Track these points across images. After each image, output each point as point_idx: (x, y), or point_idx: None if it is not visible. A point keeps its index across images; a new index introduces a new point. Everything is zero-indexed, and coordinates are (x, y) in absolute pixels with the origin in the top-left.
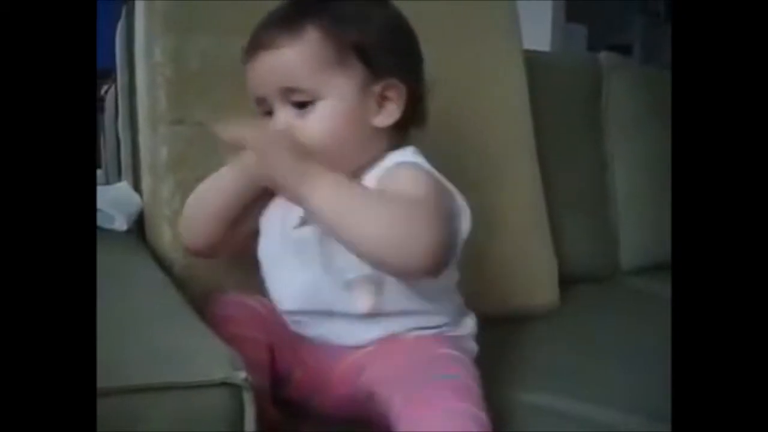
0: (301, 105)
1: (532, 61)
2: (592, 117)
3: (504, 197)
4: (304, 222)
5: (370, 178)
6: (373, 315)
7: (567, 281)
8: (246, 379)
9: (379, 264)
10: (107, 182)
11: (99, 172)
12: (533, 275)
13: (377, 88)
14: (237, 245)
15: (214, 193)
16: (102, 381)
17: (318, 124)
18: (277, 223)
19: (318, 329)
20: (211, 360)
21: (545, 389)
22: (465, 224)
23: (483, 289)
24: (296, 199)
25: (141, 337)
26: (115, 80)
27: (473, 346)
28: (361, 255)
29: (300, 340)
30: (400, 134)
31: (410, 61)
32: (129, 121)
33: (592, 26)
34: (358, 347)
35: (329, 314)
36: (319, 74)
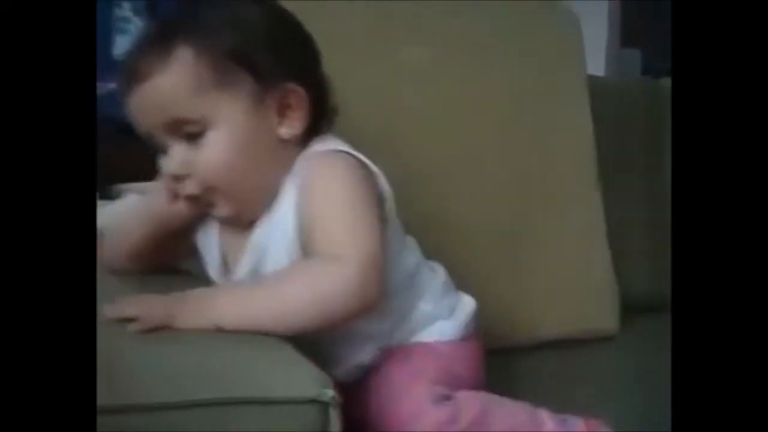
0: (191, 137)
1: (594, 86)
2: (653, 143)
3: (565, 222)
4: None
5: (290, 183)
6: None
7: (627, 309)
8: (334, 397)
9: (325, 324)
10: None
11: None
12: (593, 301)
13: (273, 98)
14: (165, 263)
15: (125, 235)
16: (195, 392)
17: (214, 155)
18: (214, 262)
19: None
20: (301, 377)
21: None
22: (390, 208)
23: (541, 313)
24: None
25: (231, 351)
26: None
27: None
28: (299, 332)
29: None
30: (313, 138)
31: (303, 58)
32: None
33: (646, 51)
34: None
35: None
36: (200, 98)
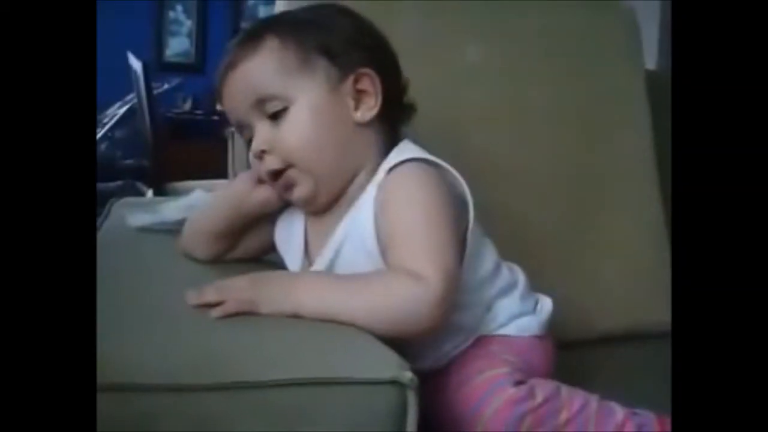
0: (275, 116)
1: (652, 81)
2: None
3: (624, 218)
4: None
5: (372, 186)
6: None
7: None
8: (412, 379)
9: (391, 335)
10: None
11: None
12: (651, 294)
13: (349, 83)
14: (242, 254)
15: (209, 216)
16: (277, 372)
17: (294, 128)
18: (295, 255)
19: None
20: (380, 359)
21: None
22: (471, 213)
23: (599, 307)
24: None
25: (312, 334)
26: None
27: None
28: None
29: None
30: (389, 130)
31: (380, 55)
32: None
33: None
34: None
35: None
36: (283, 79)
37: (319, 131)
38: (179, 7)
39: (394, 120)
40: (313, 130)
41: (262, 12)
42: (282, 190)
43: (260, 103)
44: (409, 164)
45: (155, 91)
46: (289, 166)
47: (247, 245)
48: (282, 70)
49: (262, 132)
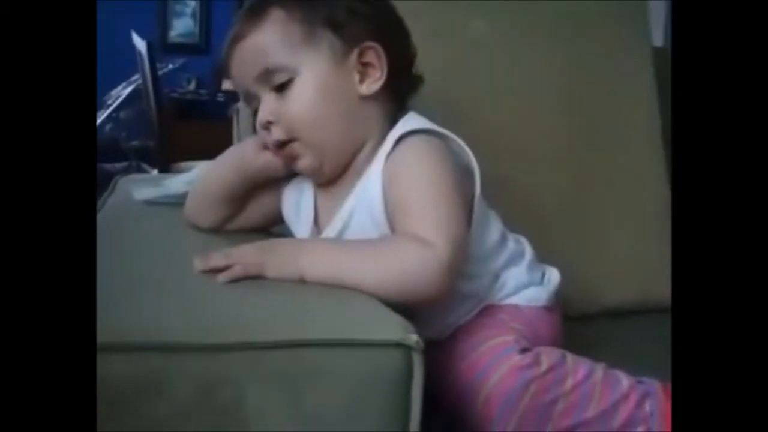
0: (280, 88)
1: (660, 57)
2: None
3: (631, 190)
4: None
5: (380, 158)
6: None
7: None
8: (418, 342)
9: (398, 300)
10: None
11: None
12: (657, 267)
13: (354, 56)
14: (246, 223)
15: (214, 178)
16: (283, 333)
17: (299, 100)
18: (304, 225)
19: None
20: (386, 322)
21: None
22: (476, 182)
23: (606, 280)
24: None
25: (319, 296)
26: None
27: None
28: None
29: None
30: (395, 103)
31: (388, 27)
32: None
33: None
34: None
35: None
36: (289, 50)
37: (323, 104)
38: None
39: (400, 92)
40: (317, 103)
41: None
42: (288, 160)
43: (266, 74)
44: (416, 135)
45: (159, 72)
46: (293, 138)
47: (252, 214)
48: (287, 42)
49: (268, 103)
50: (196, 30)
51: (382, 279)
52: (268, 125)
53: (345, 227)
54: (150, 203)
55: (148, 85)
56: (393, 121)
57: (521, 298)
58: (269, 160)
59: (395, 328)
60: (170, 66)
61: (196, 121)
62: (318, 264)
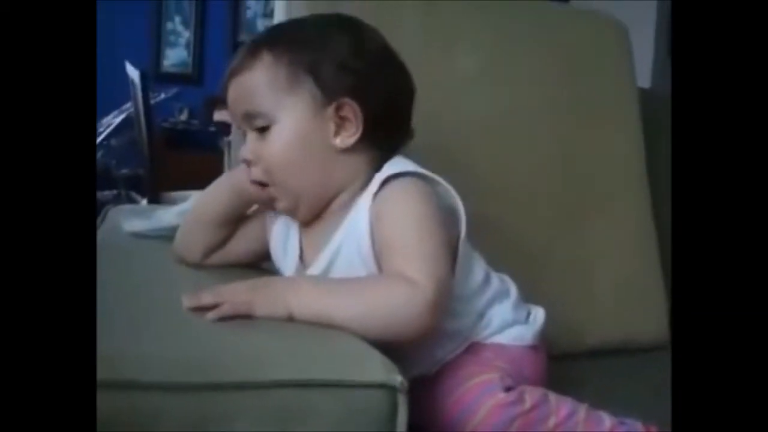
0: (261, 130)
1: (647, 98)
2: None
3: (615, 230)
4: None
5: (366, 197)
6: None
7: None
8: (402, 383)
9: (384, 339)
10: None
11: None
12: (641, 307)
13: (331, 108)
14: (234, 257)
15: (209, 202)
16: (269, 373)
17: (274, 146)
18: (290, 261)
19: None
20: (371, 362)
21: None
22: (462, 225)
23: (590, 320)
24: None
25: (303, 336)
26: None
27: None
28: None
29: None
30: (380, 152)
31: (377, 82)
32: None
33: None
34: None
35: None
36: (272, 97)
37: (298, 153)
38: (177, 18)
39: (387, 145)
40: (292, 151)
41: (260, 24)
42: (266, 199)
43: (248, 116)
44: (402, 178)
45: (152, 101)
46: (270, 181)
47: (240, 247)
48: (271, 88)
49: (250, 142)
50: (190, 60)
51: (369, 318)
52: (248, 163)
53: (331, 264)
54: (140, 236)
55: (140, 113)
56: (377, 168)
57: (506, 337)
58: (256, 191)
59: (380, 369)
60: (162, 95)
61: (186, 151)
62: (306, 303)
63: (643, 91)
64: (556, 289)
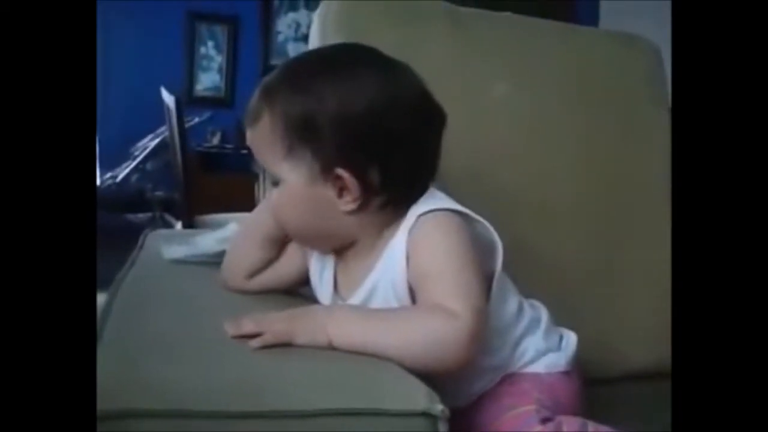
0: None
1: None
2: None
3: (648, 253)
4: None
5: (402, 232)
6: None
7: None
8: (443, 411)
9: (423, 369)
10: None
11: None
12: (665, 334)
13: (328, 179)
14: (277, 280)
15: (252, 225)
16: (310, 402)
17: (278, 202)
18: (325, 290)
19: None
20: (412, 391)
21: None
22: (498, 259)
23: (626, 344)
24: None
25: (345, 364)
26: None
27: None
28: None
29: None
30: (395, 207)
31: (373, 143)
32: None
33: None
34: None
35: None
36: (272, 157)
37: (297, 212)
38: (210, 43)
39: (402, 200)
40: (290, 209)
41: (292, 48)
42: None
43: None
44: (437, 213)
45: (186, 125)
46: None
47: (283, 272)
48: (271, 150)
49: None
50: (222, 84)
51: (408, 348)
52: None
53: (369, 297)
54: (179, 262)
55: (175, 138)
56: (396, 219)
57: (541, 366)
58: None
59: (421, 397)
60: (196, 119)
61: (220, 174)
62: (346, 332)
63: None
64: (593, 313)
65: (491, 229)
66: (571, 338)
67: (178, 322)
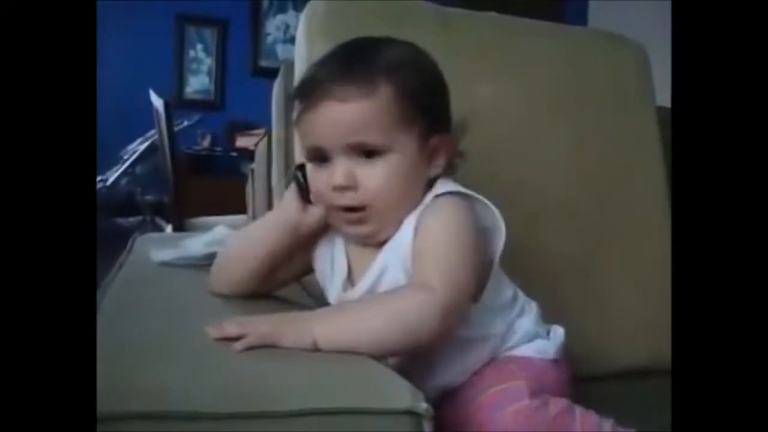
0: (369, 154)
1: (665, 118)
2: None
3: (639, 251)
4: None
5: (413, 215)
6: None
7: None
8: (427, 409)
9: (406, 349)
10: None
11: (245, 218)
12: (666, 331)
13: (434, 142)
14: (277, 283)
15: (256, 240)
16: (295, 402)
17: (384, 176)
18: (337, 279)
19: None
20: (396, 390)
21: None
22: (499, 240)
23: (620, 341)
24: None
25: (328, 365)
26: (267, 134)
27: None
28: (389, 353)
29: None
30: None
31: (447, 109)
32: (284, 172)
33: None
34: None
35: None
36: (388, 130)
37: (403, 182)
38: (199, 46)
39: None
40: (399, 181)
41: (281, 50)
42: (345, 222)
43: (359, 146)
44: (448, 196)
45: (175, 128)
46: (365, 206)
47: (284, 273)
48: (390, 121)
49: (348, 168)
50: (211, 87)
51: (389, 330)
52: (342, 190)
53: (378, 281)
54: (167, 265)
55: (165, 141)
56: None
57: (531, 350)
58: (321, 214)
59: (405, 396)
60: (185, 122)
61: (210, 177)
62: (330, 332)
63: (665, 111)
64: (582, 311)
65: (495, 211)
66: (558, 331)
67: (166, 325)
